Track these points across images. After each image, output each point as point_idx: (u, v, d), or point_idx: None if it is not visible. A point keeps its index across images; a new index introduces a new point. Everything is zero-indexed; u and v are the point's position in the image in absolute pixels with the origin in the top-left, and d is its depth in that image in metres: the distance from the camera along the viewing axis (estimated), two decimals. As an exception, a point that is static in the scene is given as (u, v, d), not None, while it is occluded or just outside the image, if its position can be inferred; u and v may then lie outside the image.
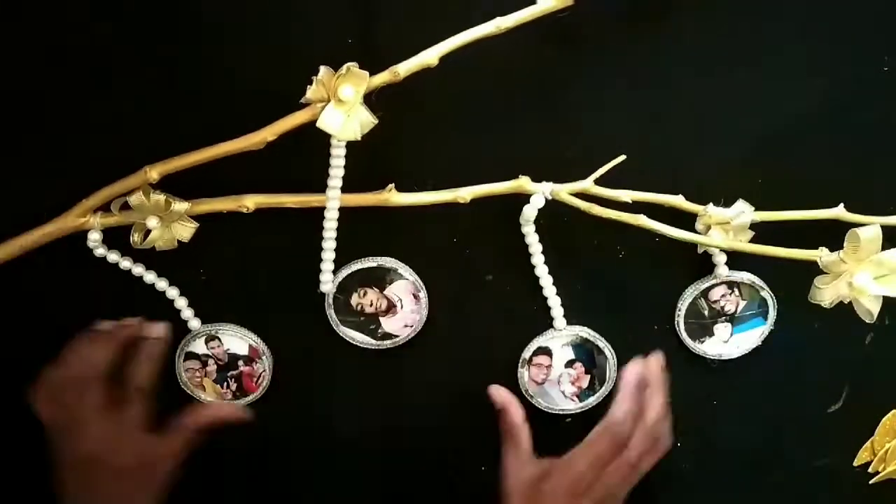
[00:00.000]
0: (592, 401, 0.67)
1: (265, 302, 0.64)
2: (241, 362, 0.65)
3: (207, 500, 0.68)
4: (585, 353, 0.66)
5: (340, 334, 0.63)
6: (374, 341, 0.64)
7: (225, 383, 0.65)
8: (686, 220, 0.60)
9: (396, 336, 0.64)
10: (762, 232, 0.60)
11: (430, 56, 0.53)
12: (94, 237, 0.58)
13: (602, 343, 0.65)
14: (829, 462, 0.70)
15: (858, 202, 0.60)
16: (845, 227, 0.57)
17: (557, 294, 0.64)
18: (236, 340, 0.64)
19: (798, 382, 0.68)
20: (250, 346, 0.64)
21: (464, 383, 0.66)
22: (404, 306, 0.63)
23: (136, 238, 0.58)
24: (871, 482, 0.70)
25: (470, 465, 0.69)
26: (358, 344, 0.64)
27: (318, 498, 0.70)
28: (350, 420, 0.67)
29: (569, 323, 0.65)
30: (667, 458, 0.68)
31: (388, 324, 0.64)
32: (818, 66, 0.59)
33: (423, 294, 0.63)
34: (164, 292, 0.62)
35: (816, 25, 0.59)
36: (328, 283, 0.60)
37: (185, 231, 0.58)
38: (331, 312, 0.63)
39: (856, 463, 0.70)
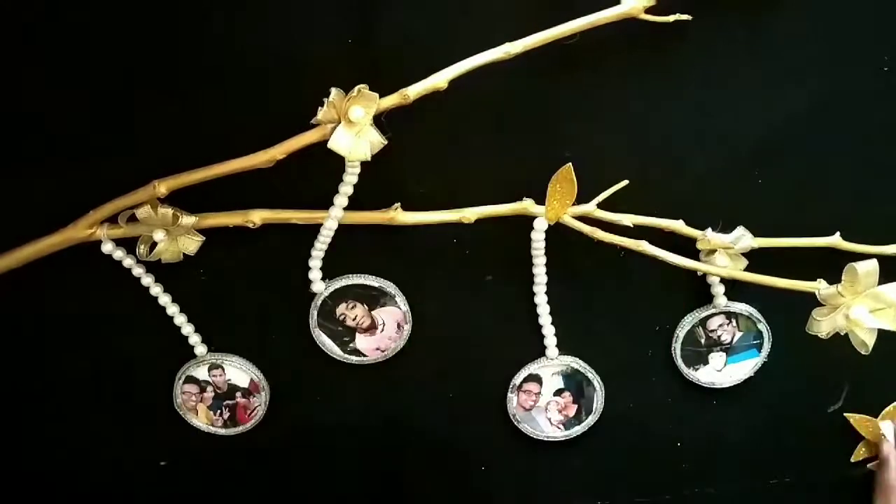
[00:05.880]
0: (578, 430, 0.67)
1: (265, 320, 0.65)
2: (239, 394, 0.65)
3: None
4: (574, 384, 0.66)
5: (313, 335, 0.63)
6: (340, 353, 0.64)
7: (219, 411, 0.66)
8: (686, 244, 0.61)
9: (364, 355, 0.64)
10: (757, 254, 0.61)
11: (439, 79, 0.53)
12: (108, 247, 0.58)
13: (591, 374, 0.66)
14: (829, 461, 0.71)
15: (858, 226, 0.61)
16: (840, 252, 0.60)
17: (552, 323, 0.64)
18: (239, 372, 0.64)
19: (798, 382, 0.68)
20: (252, 380, 0.65)
21: (463, 392, 0.67)
22: (385, 330, 0.64)
23: (142, 250, 0.58)
24: (868, 465, 0.70)
25: (470, 466, 0.69)
26: (325, 350, 0.64)
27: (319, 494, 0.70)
28: (348, 424, 0.68)
29: (561, 341, 0.65)
30: (666, 458, 0.68)
31: (361, 341, 0.64)
32: (817, 85, 0.60)
33: (407, 327, 0.64)
34: (173, 317, 0.63)
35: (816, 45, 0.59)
36: (318, 282, 0.61)
37: (192, 244, 0.58)
38: (314, 312, 0.63)
39: (853, 459, 0.70)
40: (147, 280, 0.60)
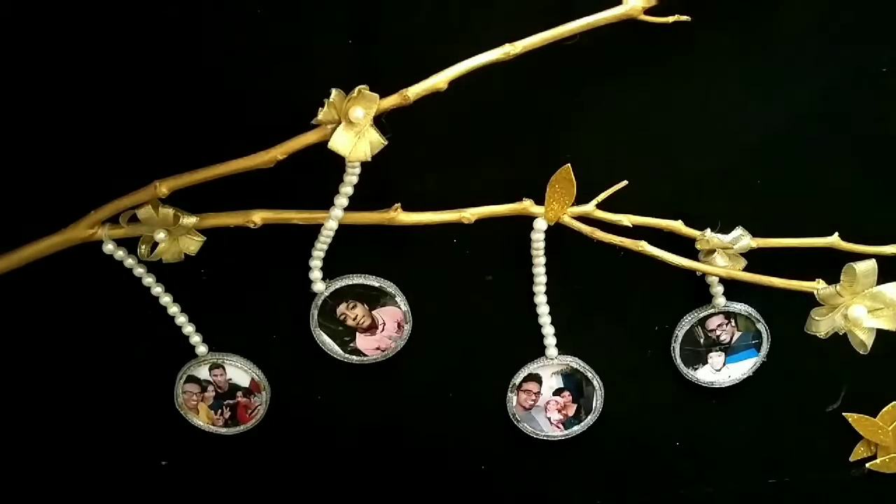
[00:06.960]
0: (577, 429, 0.67)
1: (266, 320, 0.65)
2: (239, 393, 0.65)
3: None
4: (574, 383, 0.66)
5: (314, 334, 0.63)
6: (341, 352, 0.64)
7: (220, 411, 0.66)
8: (684, 244, 0.61)
9: (364, 355, 0.64)
10: (755, 253, 0.61)
11: (439, 80, 0.53)
12: (109, 248, 0.58)
13: (591, 374, 0.66)
14: (827, 461, 0.71)
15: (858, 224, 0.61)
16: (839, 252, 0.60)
17: (552, 323, 0.64)
18: (240, 372, 0.65)
19: (797, 382, 0.68)
20: (252, 379, 0.65)
21: (463, 391, 0.67)
22: (385, 330, 0.64)
23: (143, 250, 0.58)
24: (867, 464, 0.70)
25: (470, 465, 0.70)
26: (325, 350, 0.64)
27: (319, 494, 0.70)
28: (348, 424, 0.68)
29: (561, 340, 0.65)
30: (665, 457, 0.68)
31: (361, 341, 0.64)
32: (817, 85, 0.60)
33: (407, 326, 0.64)
34: (173, 317, 0.63)
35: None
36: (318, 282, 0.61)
37: (193, 245, 0.58)
38: (314, 312, 0.63)
39: (852, 458, 0.71)
40: (148, 280, 0.60)
